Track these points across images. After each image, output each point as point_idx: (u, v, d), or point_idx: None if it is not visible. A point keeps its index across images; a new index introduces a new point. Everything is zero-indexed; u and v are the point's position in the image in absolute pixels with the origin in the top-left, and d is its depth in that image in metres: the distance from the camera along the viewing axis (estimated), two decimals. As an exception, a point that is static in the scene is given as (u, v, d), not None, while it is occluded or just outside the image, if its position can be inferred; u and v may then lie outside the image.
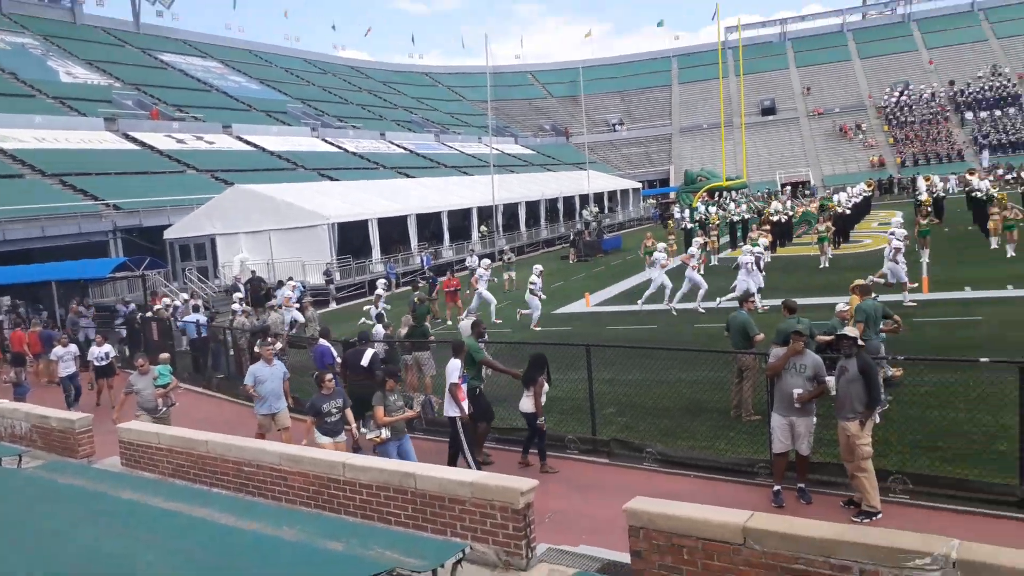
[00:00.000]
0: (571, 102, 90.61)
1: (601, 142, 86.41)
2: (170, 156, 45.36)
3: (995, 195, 29.36)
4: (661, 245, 22.28)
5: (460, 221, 41.83)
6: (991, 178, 46.46)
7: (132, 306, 22.68)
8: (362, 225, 33.64)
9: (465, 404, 9.41)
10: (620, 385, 11.63)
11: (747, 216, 35.83)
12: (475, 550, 5.66)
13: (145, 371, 11.26)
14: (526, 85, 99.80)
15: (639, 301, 20.88)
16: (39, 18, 62.09)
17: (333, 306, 29.10)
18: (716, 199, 49.65)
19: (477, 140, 75.57)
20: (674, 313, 19.80)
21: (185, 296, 24.25)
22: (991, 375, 9.37)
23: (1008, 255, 23.09)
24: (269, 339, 12.48)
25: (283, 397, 10.96)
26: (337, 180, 46.68)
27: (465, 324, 13.68)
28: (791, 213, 35.32)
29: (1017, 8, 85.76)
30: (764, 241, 23.07)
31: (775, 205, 35.95)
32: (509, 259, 31.34)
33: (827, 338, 9.61)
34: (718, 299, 19.57)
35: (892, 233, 18.87)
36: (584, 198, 52.81)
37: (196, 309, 19.93)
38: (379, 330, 13.88)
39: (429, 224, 39.18)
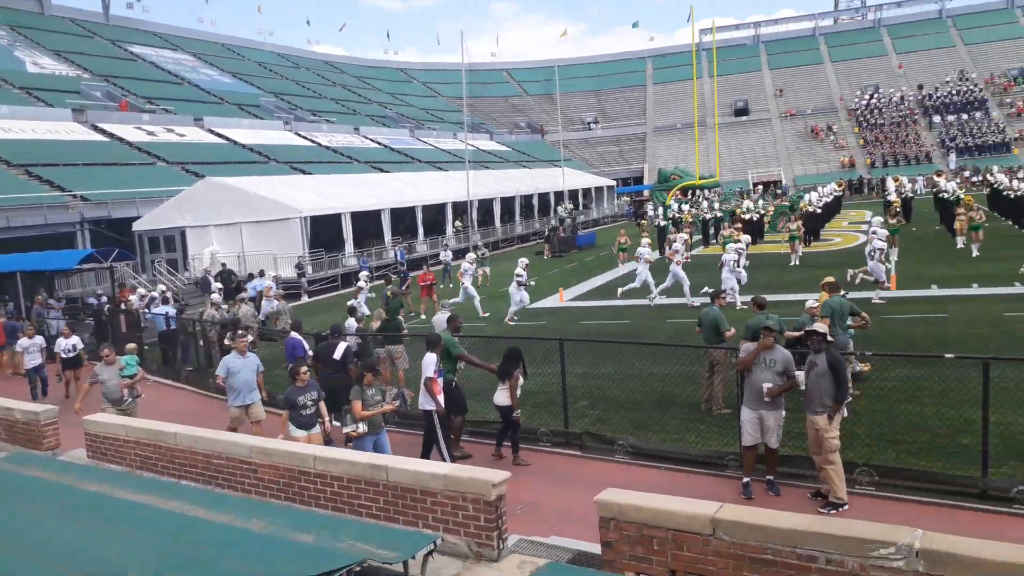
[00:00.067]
0: (547, 100, 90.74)
1: (576, 140, 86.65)
2: (140, 148, 44.69)
3: (962, 197, 29.92)
4: (645, 241, 22.53)
5: (434, 216, 41.71)
6: (957, 180, 47.36)
7: (104, 298, 22.35)
8: (335, 219, 33.43)
9: (441, 398, 9.39)
10: (593, 379, 11.70)
11: (719, 214, 36.13)
12: (447, 541, 5.65)
13: (111, 361, 11.09)
14: (502, 83, 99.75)
15: (619, 290, 21.16)
16: (6, 8, 60.79)
17: (305, 299, 28.90)
18: (689, 197, 50.02)
19: (452, 136, 75.38)
20: (652, 304, 20.07)
21: (162, 287, 23.93)
22: (956, 371, 9.56)
23: (973, 255, 23.56)
24: (240, 331, 12.34)
25: (256, 389, 10.84)
26: (310, 174, 46.32)
27: (440, 318, 13.67)
28: (763, 212, 35.69)
29: (984, 16, 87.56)
30: (747, 238, 23.32)
31: (747, 204, 36.32)
32: (483, 254, 31.31)
33: (796, 334, 9.74)
34: (691, 298, 19.73)
35: (874, 232, 19.12)
36: (559, 195, 52.94)
37: (165, 301, 19.67)
38: (351, 323, 13.80)
39: (403, 219, 39.04)
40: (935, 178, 42.46)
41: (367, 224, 35.87)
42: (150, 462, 7.76)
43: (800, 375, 7.99)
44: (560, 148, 68.14)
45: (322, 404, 9.31)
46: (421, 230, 39.40)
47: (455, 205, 42.50)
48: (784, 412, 8.25)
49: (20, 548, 4.97)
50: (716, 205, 38.92)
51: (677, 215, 35.70)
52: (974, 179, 57.95)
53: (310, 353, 11.73)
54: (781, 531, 4.54)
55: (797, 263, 25.44)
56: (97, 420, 8.60)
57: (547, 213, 51.98)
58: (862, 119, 76.91)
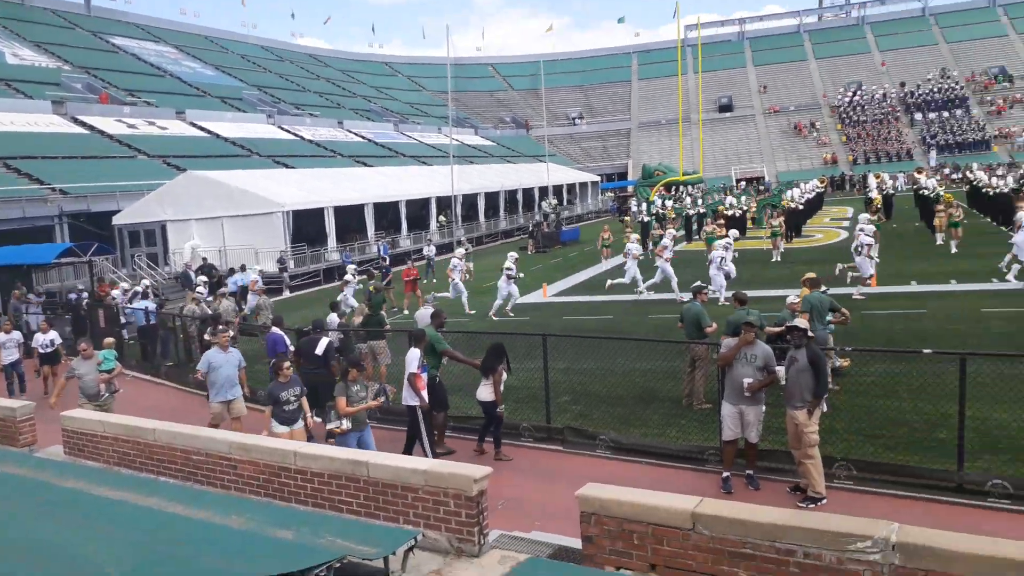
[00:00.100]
0: (532, 95, 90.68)
1: (561, 135, 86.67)
2: (120, 141, 44.26)
3: (942, 194, 30.20)
4: (635, 237, 22.68)
5: (418, 211, 41.60)
6: (938, 177, 47.78)
7: (85, 293, 22.11)
8: (318, 213, 33.26)
9: (424, 393, 9.37)
10: (575, 374, 11.73)
11: (702, 210, 36.27)
12: (428, 537, 5.65)
13: (88, 356, 10.98)
14: (487, 77, 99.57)
15: (608, 281, 21.35)
16: (-15, -2, 60.05)
17: (287, 294, 28.75)
18: (673, 193, 50.19)
19: (437, 130, 75.19)
20: (641, 296, 20.36)
21: (147, 282, 23.71)
22: (934, 366, 9.67)
23: (952, 251, 23.79)
24: (221, 326, 12.25)
25: (238, 385, 10.76)
26: (293, 168, 46.04)
27: (423, 313, 13.63)
28: (745, 208, 35.87)
29: (966, 14, 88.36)
30: (735, 232, 23.46)
31: (730, 200, 36.48)
32: (467, 250, 31.24)
33: (777, 329, 9.80)
34: (679, 293, 19.83)
35: (861, 229, 19.27)
36: (543, 190, 52.95)
37: (145, 296, 19.50)
38: (333, 319, 13.73)
39: (387, 213, 38.91)
40: (916, 175, 42.84)
41: (350, 219, 35.71)
42: (128, 458, 7.69)
43: (780, 370, 8.03)
44: (545, 143, 68.10)
45: (304, 400, 9.25)
46: (405, 225, 39.28)
47: (439, 200, 42.40)
48: (764, 407, 8.30)
49: (-6, 545, 4.92)
50: (699, 201, 39.05)
51: (661, 211, 35.78)
52: (954, 176, 58.54)
53: (291, 348, 11.66)
54: (760, 525, 4.57)
55: (779, 259, 25.61)
56: (74, 416, 8.51)
57: (531, 208, 51.98)
58: (845, 116, 77.46)
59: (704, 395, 10.62)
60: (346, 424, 8.45)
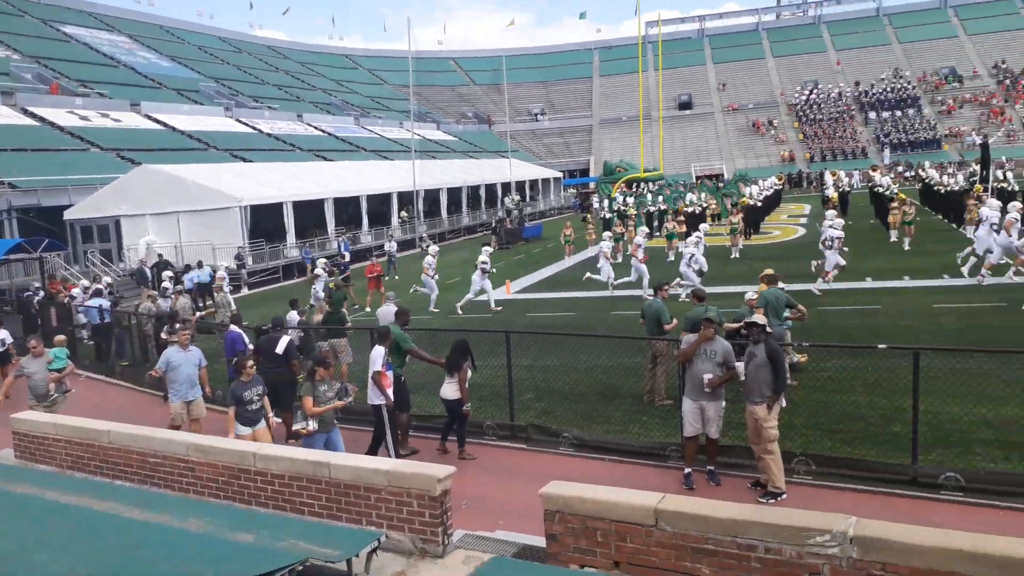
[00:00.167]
0: (494, 90, 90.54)
1: (523, 131, 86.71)
2: (72, 133, 43.11)
3: (896, 191, 30.88)
4: (607, 234, 22.88)
5: (379, 206, 41.26)
6: (891, 175, 48.87)
7: (42, 292, 21.48)
8: (276, 208, 32.81)
9: (390, 391, 9.27)
10: (539, 371, 11.74)
11: (663, 207, 36.60)
12: (391, 538, 5.60)
13: (39, 353, 10.66)
14: (449, 71, 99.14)
15: (587, 274, 21.50)
16: (-72, -17, 58.01)
17: (245, 291, 28.32)
18: (634, 190, 50.56)
19: (398, 125, 74.64)
20: (611, 289, 20.66)
21: (108, 280, 23.14)
22: (888, 361, 9.86)
23: (905, 248, 24.36)
24: (177, 325, 12.01)
25: (198, 385, 10.52)
26: (251, 162, 45.33)
27: (386, 310, 13.52)
28: (705, 205, 36.28)
29: (918, 15, 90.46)
30: (705, 226, 23.72)
31: (690, 197, 36.86)
32: (428, 246, 31.06)
33: (735, 325, 9.92)
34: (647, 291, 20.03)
35: (831, 225, 19.58)
36: (506, 186, 52.91)
37: (99, 293, 19.03)
38: (293, 316, 13.55)
39: (347, 208, 38.52)
40: (871, 173, 43.82)
41: (310, 214, 35.29)
42: (82, 462, 7.50)
43: (740, 366, 8.12)
44: (507, 139, 68.08)
45: (266, 399, 9.10)
46: (366, 220, 38.94)
47: (401, 195, 42.11)
48: (724, 403, 8.40)
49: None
50: (660, 198, 39.38)
51: (622, 207, 36.02)
52: (907, 174, 59.93)
53: (251, 347, 11.46)
54: (721, 521, 4.62)
55: (738, 256, 25.96)
56: (25, 418, 8.27)
57: (494, 204, 51.92)
58: (802, 114, 78.76)
59: (665, 391, 10.70)
60: (312, 425, 8.29)
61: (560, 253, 30.41)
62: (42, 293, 21.11)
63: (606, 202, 39.62)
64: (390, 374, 9.37)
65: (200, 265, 25.02)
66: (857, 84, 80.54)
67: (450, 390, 9.58)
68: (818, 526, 4.35)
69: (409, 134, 58.83)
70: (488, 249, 21.09)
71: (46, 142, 40.73)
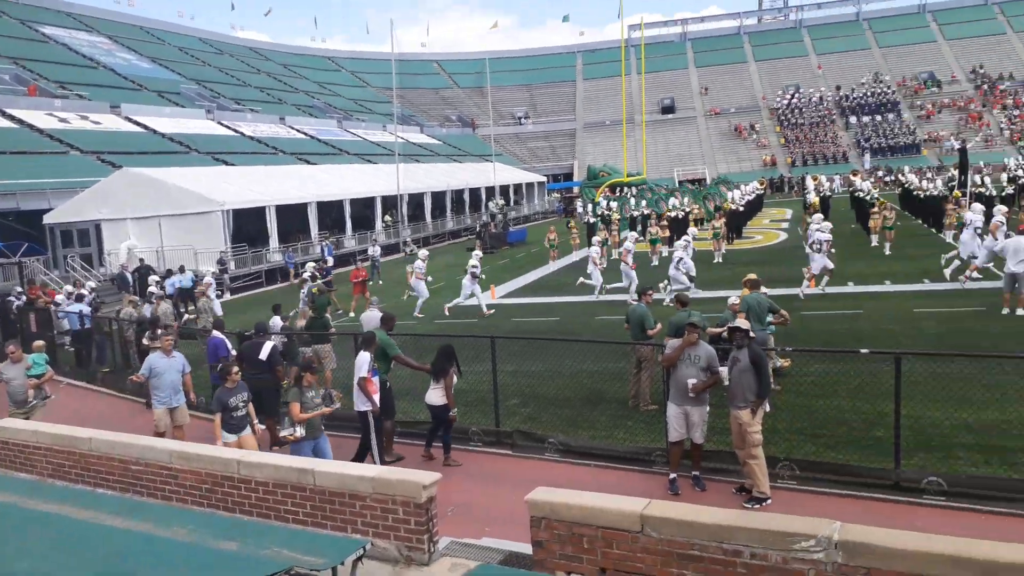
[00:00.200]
0: (477, 93, 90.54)
1: (507, 135, 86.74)
2: (51, 136, 42.62)
3: (876, 196, 31.18)
4: (596, 239, 22.94)
5: (363, 210, 41.13)
6: (872, 180, 49.36)
7: (24, 298, 21.18)
8: (259, 212, 32.61)
9: (376, 397, 9.21)
10: (524, 376, 11.74)
11: (646, 211, 36.75)
12: (376, 546, 5.59)
13: (17, 359, 10.53)
14: (432, 74, 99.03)
15: (580, 279, 21.62)
16: (-98, -17, 57.17)
17: (227, 296, 28.10)
18: (618, 195, 50.74)
19: (382, 128, 74.43)
20: (599, 296, 20.75)
21: (92, 284, 22.90)
22: (871, 365, 9.95)
23: (886, 252, 24.59)
24: (159, 330, 11.89)
25: (182, 392, 10.40)
26: (233, 165, 45.03)
27: (369, 315, 13.46)
28: (687, 209, 36.45)
29: (897, 20, 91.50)
30: (693, 230, 23.84)
31: (672, 201, 37.04)
32: (412, 251, 31.02)
33: (718, 330, 9.96)
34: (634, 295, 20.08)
35: (819, 228, 19.71)
36: (490, 190, 52.90)
37: (80, 299, 18.80)
38: (276, 321, 13.46)
39: (331, 212, 38.36)
40: (852, 177, 44.20)
41: (293, 218, 35.11)
42: (63, 470, 7.42)
43: (724, 371, 8.15)
44: (491, 142, 68.07)
45: (251, 406, 9.04)
46: (349, 224, 38.80)
47: (384, 199, 41.99)
48: (708, 407, 8.42)
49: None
50: (643, 203, 39.54)
51: (606, 212, 36.13)
52: (887, 179, 60.53)
53: (233, 353, 11.37)
54: (707, 526, 4.64)
55: (721, 260, 26.10)
56: (4, 426, 8.18)
57: (478, 208, 51.90)
58: (783, 118, 79.36)
59: (650, 396, 10.72)
60: (300, 431, 8.22)
61: (545, 257, 30.45)
62: (24, 298, 20.83)
63: (590, 206, 39.72)
64: (376, 380, 9.31)
65: (182, 270, 24.82)
66: (838, 88, 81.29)
67: (436, 396, 9.53)
68: (803, 531, 4.38)
69: (392, 137, 58.73)
70: (478, 254, 21.28)
71: (24, 144, 40.24)
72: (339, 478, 5.91)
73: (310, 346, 12.90)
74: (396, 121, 58.95)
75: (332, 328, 14.28)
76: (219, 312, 18.51)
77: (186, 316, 20.61)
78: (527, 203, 61.73)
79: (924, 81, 79.40)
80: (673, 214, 33.47)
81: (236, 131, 57.34)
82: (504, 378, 10.68)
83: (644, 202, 39.72)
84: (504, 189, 56.25)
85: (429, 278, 21.00)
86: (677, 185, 59.88)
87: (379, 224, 41.32)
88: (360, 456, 9.22)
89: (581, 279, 21.82)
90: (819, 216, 22.22)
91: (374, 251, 30.78)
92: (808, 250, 19.44)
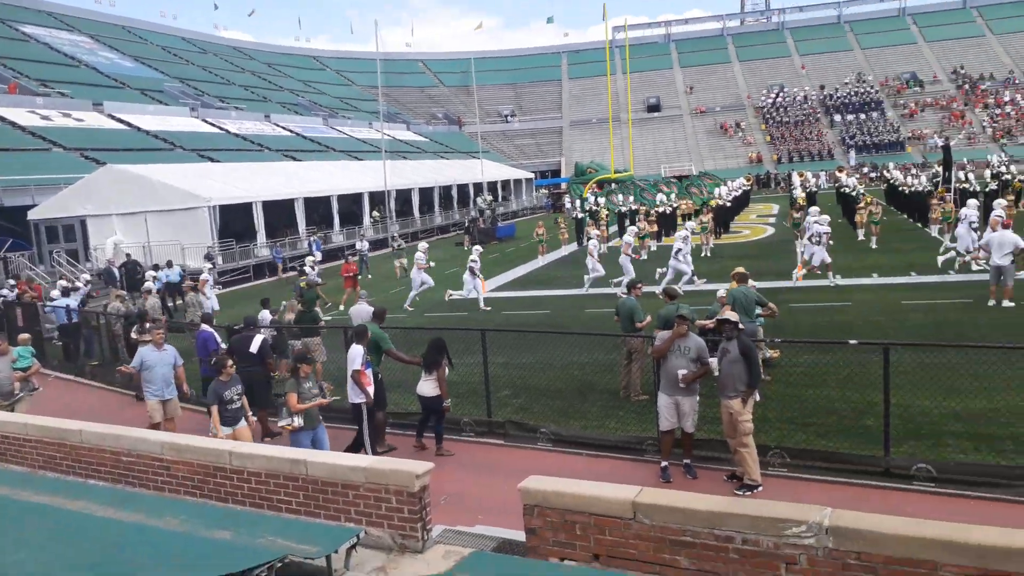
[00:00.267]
0: (463, 92, 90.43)
1: (494, 132, 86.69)
2: (34, 133, 42.22)
3: (862, 192, 31.41)
4: (595, 233, 22.97)
5: (351, 206, 41.00)
6: (857, 176, 49.71)
7: (16, 291, 20.99)
8: (246, 208, 32.45)
9: (371, 389, 9.23)
10: (515, 368, 11.76)
11: (634, 207, 36.84)
12: (370, 534, 5.58)
13: (3, 351, 10.46)
14: (417, 73, 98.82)
15: (584, 289, 21.27)
16: None
17: (216, 291, 27.93)
18: (604, 189, 50.84)
19: (368, 125, 74.15)
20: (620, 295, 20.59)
21: (87, 277, 22.69)
22: (859, 356, 10.03)
23: (872, 246, 24.81)
24: (148, 324, 11.82)
25: (173, 384, 10.35)
26: (218, 162, 44.76)
27: (358, 309, 13.45)
28: (675, 205, 36.60)
29: (877, 22, 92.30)
30: (691, 224, 23.91)
31: (659, 197, 37.16)
32: (399, 246, 30.93)
33: (707, 323, 10.01)
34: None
35: (816, 221, 19.81)
36: (478, 186, 52.86)
37: (67, 293, 18.65)
38: (265, 315, 13.42)
39: (318, 208, 38.21)
40: (837, 174, 44.50)
41: (280, 214, 34.96)
42: (54, 462, 7.36)
43: (713, 361, 8.20)
44: (478, 140, 68.02)
45: (245, 399, 9.03)
46: (337, 220, 38.67)
47: (372, 195, 41.88)
48: (698, 397, 8.47)
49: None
50: (631, 198, 39.62)
51: (594, 208, 36.21)
52: (872, 175, 60.96)
53: (223, 347, 11.33)
54: (699, 513, 4.66)
55: (709, 254, 26.25)
56: (-7, 419, 8.11)
57: (466, 204, 51.83)
58: (768, 117, 79.76)
59: (641, 387, 10.76)
60: (298, 421, 8.28)
61: (534, 252, 30.47)
62: (15, 292, 20.65)
63: (578, 203, 39.78)
64: (369, 372, 9.32)
65: (169, 265, 24.68)
66: (822, 88, 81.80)
67: (427, 387, 9.55)
68: (794, 517, 4.40)
69: (379, 134, 58.52)
70: (479, 248, 21.45)
71: (7, 141, 39.85)
72: (331, 468, 5.89)
73: (300, 339, 12.86)
74: (382, 118, 58.78)
75: (321, 321, 14.24)
76: (216, 308, 18.41)
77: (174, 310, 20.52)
78: (515, 199, 61.73)
79: (906, 81, 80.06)
80: (661, 209, 33.60)
81: (221, 128, 56.99)
82: (495, 370, 10.70)
83: (632, 197, 39.81)
84: (492, 185, 56.22)
85: (432, 263, 21.14)
86: (662, 178, 60.06)
87: (367, 220, 41.21)
88: (355, 447, 9.23)
89: (584, 289, 21.63)
90: (815, 209, 22.26)
91: (362, 246, 30.69)
92: (807, 243, 19.55)
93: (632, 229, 24.23)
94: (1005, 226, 15.69)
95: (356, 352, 9.25)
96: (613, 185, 52.06)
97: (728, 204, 35.03)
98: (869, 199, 28.79)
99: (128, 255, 27.85)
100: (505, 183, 60.64)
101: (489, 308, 19.60)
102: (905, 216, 32.91)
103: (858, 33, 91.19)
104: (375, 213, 42.11)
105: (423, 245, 21.99)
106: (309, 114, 72.84)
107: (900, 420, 8.54)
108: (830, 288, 18.59)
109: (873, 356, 8.62)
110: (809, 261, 19.21)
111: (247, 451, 6.41)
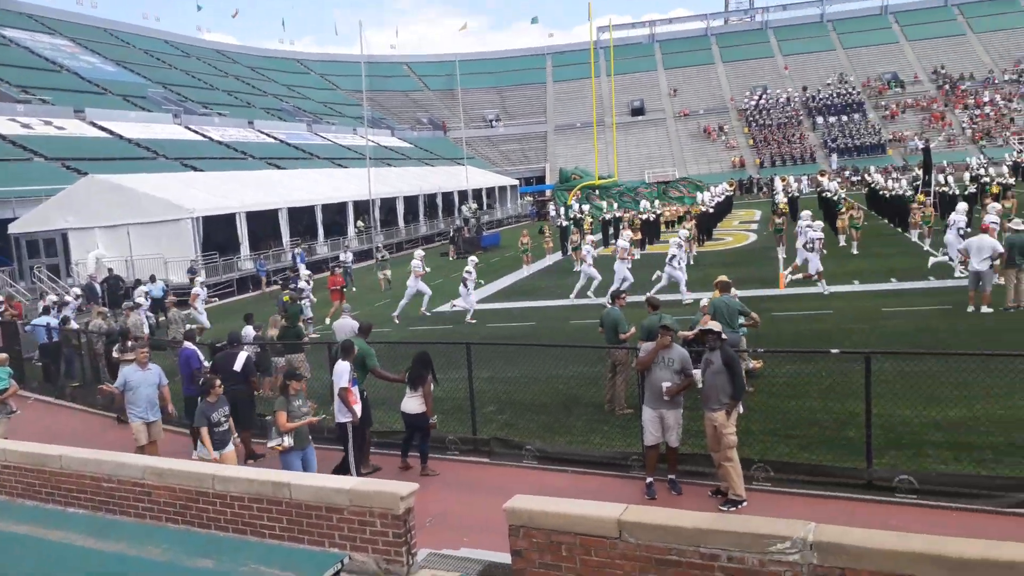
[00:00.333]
0: (448, 95, 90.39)
1: (478, 137, 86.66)
2: (14, 142, 41.79)
3: (844, 197, 31.64)
4: (590, 238, 22.97)
5: (335, 216, 40.83)
6: (839, 180, 50.05)
7: (4, 306, 20.73)
8: (229, 219, 32.24)
9: (358, 408, 9.07)
10: (500, 383, 11.73)
11: (618, 214, 36.95)
12: (354, 560, 5.56)
13: None
14: (402, 76, 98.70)
15: (586, 291, 21.31)
16: None
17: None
18: (587, 195, 50.95)
19: (352, 131, 73.93)
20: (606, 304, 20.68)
21: (77, 291, 22.45)
22: (841, 365, 10.08)
23: (853, 252, 24.97)
24: (130, 342, 11.71)
25: (158, 406, 10.12)
26: (202, 171, 44.48)
27: (341, 323, 13.38)
28: (659, 212, 36.73)
29: (860, 21, 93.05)
30: (684, 232, 24.01)
31: (644, 204, 37.30)
32: (383, 257, 30.79)
33: (689, 333, 10.00)
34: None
35: (809, 226, 19.89)
36: (463, 194, 52.79)
37: (46, 311, 18.40)
38: (249, 331, 13.31)
39: (302, 218, 38.05)
40: (819, 178, 44.79)
41: (264, 225, 34.77)
42: (33, 489, 7.27)
43: (697, 373, 8.20)
44: (463, 145, 67.97)
45: (231, 420, 8.91)
46: (321, 231, 38.51)
47: (356, 204, 41.74)
48: (682, 410, 8.46)
49: None
50: (616, 205, 39.74)
51: (578, 215, 36.28)
52: (853, 179, 61.41)
53: (206, 365, 11.22)
54: (684, 531, 4.67)
55: (691, 262, 26.27)
56: (-29, 444, 8.01)
57: (451, 213, 51.75)
58: (751, 119, 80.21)
59: (625, 400, 10.76)
60: (288, 441, 8.10)
61: (519, 262, 30.45)
62: (4, 308, 20.35)
63: (562, 210, 39.85)
64: (356, 390, 9.17)
65: (152, 279, 24.48)
66: (804, 89, 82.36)
67: (412, 404, 9.43)
68: (779, 533, 4.42)
69: (363, 141, 58.33)
70: (474, 259, 21.44)
71: (-15, 152, 39.51)
72: (315, 491, 5.87)
73: (283, 356, 12.78)
74: (366, 124, 58.60)
75: (305, 337, 14.16)
76: (206, 324, 18.27)
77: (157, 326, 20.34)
78: (500, 207, 61.67)
79: (888, 81, 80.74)
80: (644, 216, 33.71)
81: (204, 136, 56.64)
82: (480, 384, 10.65)
83: (616, 204, 39.92)
84: (477, 193, 56.16)
85: (427, 269, 21.11)
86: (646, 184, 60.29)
87: (351, 230, 41.05)
88: (343, 469, 9.08)
89: (572, 295, 21.66)
90: (807, 213, 22.31)
91: (346, 258, 30.57)
92: (800, 249, 19.65)
93: (627, 234, 24.31)
94: (983, 229, 15.86)
95: (343, 369, 9.09)
96: (596, 191, 52.23)
97: (711, 210, 35.19)
98: (851, 204, 29.03)
99: (110, 270, 27.61)
100: (490, 190, 60.58)
101: (475, 321, 19.57)
102: (886, 221, 33.17)
103: (840, 32, 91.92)
104: (360, 223, 41.96)
105: (419, 252, 21.95)
106: (293, 120, 72.54)
107: (881, 430, 8.59)
108: (812, 296, 18.70)
109: (855, 365, 8.66)
110: (803, 267, 19.28)
111: (230, 474, 6.37)
